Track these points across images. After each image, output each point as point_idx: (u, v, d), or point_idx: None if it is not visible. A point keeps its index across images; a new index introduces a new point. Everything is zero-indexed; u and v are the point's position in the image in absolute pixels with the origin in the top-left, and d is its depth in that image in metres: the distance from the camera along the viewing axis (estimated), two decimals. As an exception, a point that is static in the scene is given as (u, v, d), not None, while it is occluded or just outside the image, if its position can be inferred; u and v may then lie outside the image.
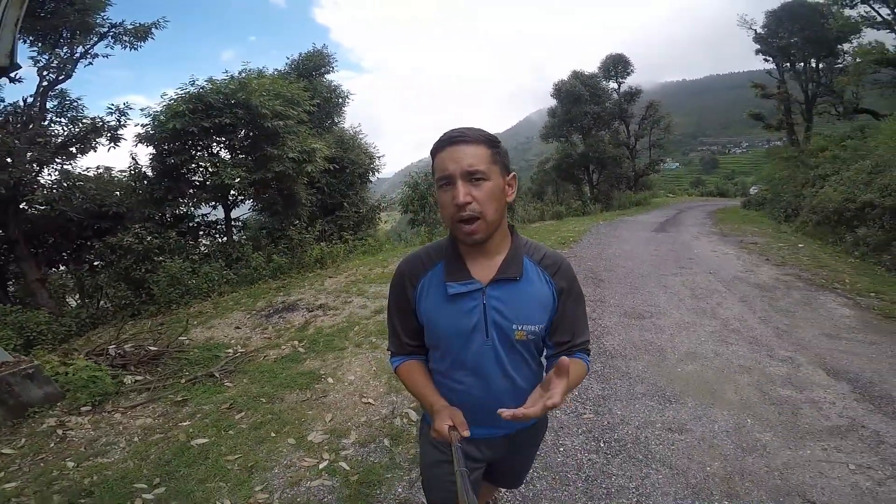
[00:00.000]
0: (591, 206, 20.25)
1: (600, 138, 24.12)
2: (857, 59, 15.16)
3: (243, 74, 8.30)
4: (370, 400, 3.26)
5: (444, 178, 0.97)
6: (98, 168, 7.43)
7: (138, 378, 3.72)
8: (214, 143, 8.53)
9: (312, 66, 12.72)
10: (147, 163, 8.20)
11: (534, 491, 2.23)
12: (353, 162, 12.58)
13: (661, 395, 3.03)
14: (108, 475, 2.44)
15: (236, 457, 2.56)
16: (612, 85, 24.94)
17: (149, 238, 6.99)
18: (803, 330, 4.12)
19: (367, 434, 2.79)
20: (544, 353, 1.15)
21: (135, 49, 7.86)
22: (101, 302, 7.37)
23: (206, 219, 9.65)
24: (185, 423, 2.98)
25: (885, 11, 14.72)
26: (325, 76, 13.22)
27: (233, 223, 9.74)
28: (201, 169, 8.44)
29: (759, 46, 20.12)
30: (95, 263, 7.45)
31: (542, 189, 27.89)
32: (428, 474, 1.26)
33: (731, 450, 2.47)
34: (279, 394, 3.38)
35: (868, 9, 15.06)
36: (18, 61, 1.83)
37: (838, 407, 2.85)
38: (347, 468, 2.44)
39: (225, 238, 9.36)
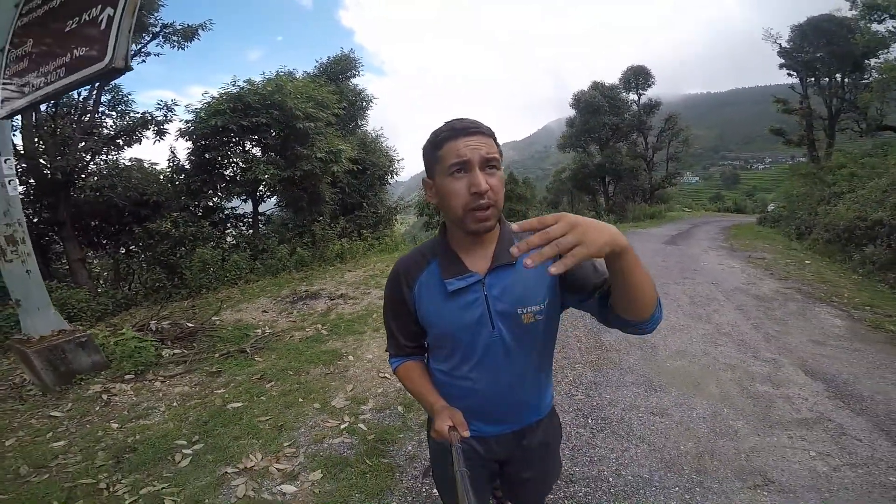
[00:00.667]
0: (605, 218, 20.42)
1: (618, 150, 24.27)
2: (882, 75, 14.94)
3: (276, 76, 8.85)
4: (386, 375, 3.66)
5: (459, 164, 0.95)
6: (140, 160, 8.03)
7: (176, 352, 4.18)
8: (248, 141, 9.08)
9: (340, 70, 13.26)
10: (185, 157, 8.81)
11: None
12: (373, 164, 13.05)
13: (647, 385, 3.35)
14: (149, 434, 2.76)
15: (267, 418, 2.95)
16: (633, 96, 25.07)
17: (184, 226, 7.54)
18: (792, 336, 4.37)
19: (383, 402, 3.17)
20: (594, 308, 1.01)
21: (182, 49, 8.47)
22: (134, 284, 7.94)
23: (234, 212, 10.22)
24: (220, 391, 3.39)
25: None
26: (352, 80, 13.75)
27: (259, 217, 10.28)
28: (234, 164, 9.01)
29: (783, 61, 20.00)
30: (132, 248, 8.03)
31: (557, 198, 28.12)
32: (439, 479, 1.30)
33: (704, 433, 2.77)
34: (305, 368, 3.79)
35: (894, 25, 14.89)
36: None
37: (810, 402, 3.12)
38: (365, 429, 2.82)
39: (251, 230, 9.89)
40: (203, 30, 8.56)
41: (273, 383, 3.47)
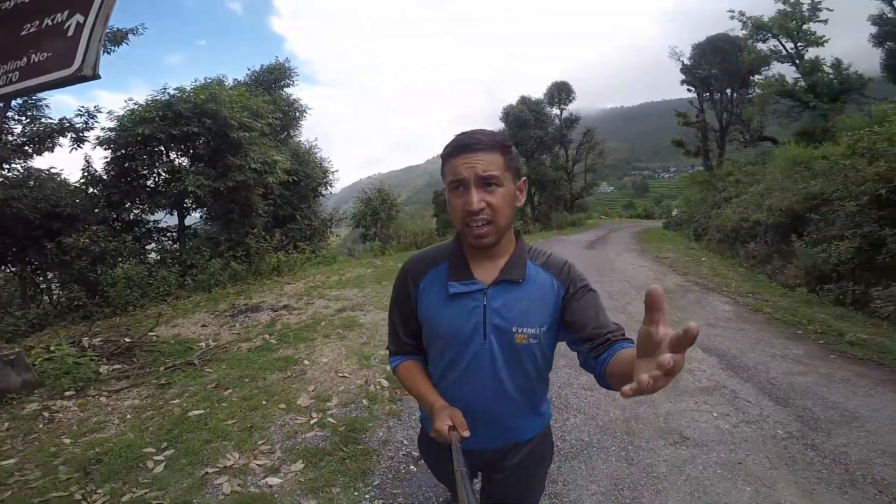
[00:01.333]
0: (531, 227, 21.67)
1: (542, 161, 25.92)
2: (763, 90, 17.17)
3: (208, 84, 8.55)
4: (345, 374, 3.83)
5: (456, 182, 0.97)
6: (51, 169, 7.31)
7: (116, 367, 4.00)
8: (174, 151, 8.65)
9: (273, 79, 13.01)
10: (102, 167, 8.17)
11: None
12: (307, 175, 12.89)
13: (577, 367, 3.83)
14: (111, 446, 2.69)
15: (234, 421, 3.01)
16: (556, 111, 26.78)
17: (104, 241, 7.02)
18: (691, 320, 5.17)
19: (347, 398, 3.36)
20: (582, 355, 1.02)
21: (109, 53, 7.86)
22: (45, 303, 7.21)
23: (157, 225, 9.62)
24: (175, 401, 3.35)
25: (790, 46, 16.76)
26: (285, 89, 13.53)
27: (185, 231, 9.76)
28: (159, 175, 8.53)
29: (684, 77, 22.12)
30: (41, 264, 7.30)
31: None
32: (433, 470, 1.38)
33: (628, 403, 3.28)
34: (261, 375, 3.83)
35: (776, 43, 17.16)
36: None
37: (707, 373, 3.78)
38: (335, 422, 3.00)
39: (177, 245, 9.36)
40: (134, 34, 8.04)
41: (231, 390, 3.50)
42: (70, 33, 2.24)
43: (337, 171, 14.32)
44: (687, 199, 20.72)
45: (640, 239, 15.88)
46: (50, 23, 2.26)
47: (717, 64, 20.46)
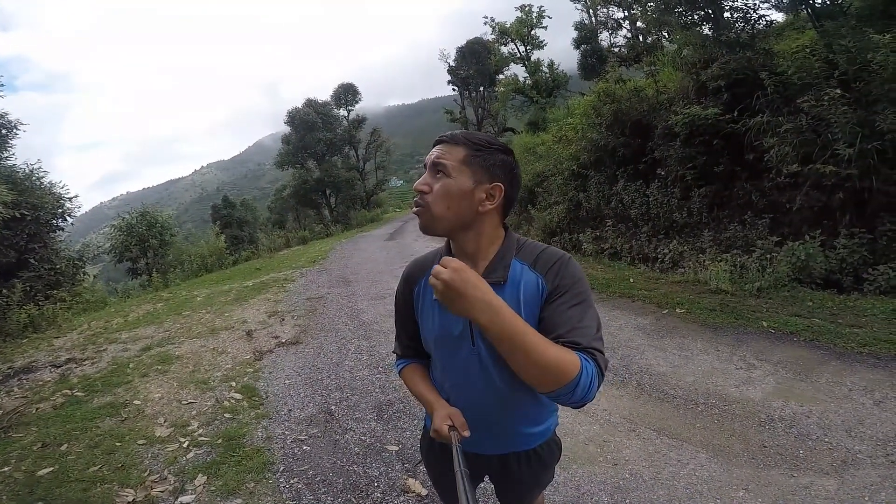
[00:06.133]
0: (333, 228, 22.02)
1: (334, 163, 26.33)
2: (503, 88, 21.02)
3: None
4: (189, 401, 3.80)
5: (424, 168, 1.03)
6: None
7: None
8: None
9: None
10: None
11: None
12: (35, 206, 10.20)
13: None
14: None
15: (98, 466, 2.83)
16: (343, 112, 27.41)
17: None
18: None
19: (207, 418, 3.44)
20: None
21: None
22: None
23: None
24: (6, 469, 2.88)
25: (522, 49, 20.80)
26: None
27: None
28: None
29: (449, 77, 25.55)
30: None
31: (282, 217, 28.10)
32: (433, 476, 1.33)
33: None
34: (91, 424, 3.47)
35: (514, 46, 21.15)
36: None
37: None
38: (208, 439, 3.10)
39: None
40: None
41: (67, 445, 3.13)
42: None
43: (75, 196, 11.63)
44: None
45: (431, 226, 18.10)
46: None
47: (474, 65, 24.12)
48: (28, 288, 8.67)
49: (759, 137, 5.55)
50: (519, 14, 20.45)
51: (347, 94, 27.13)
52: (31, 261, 10.08)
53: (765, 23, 6.19)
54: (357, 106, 27.80)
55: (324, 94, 32.77)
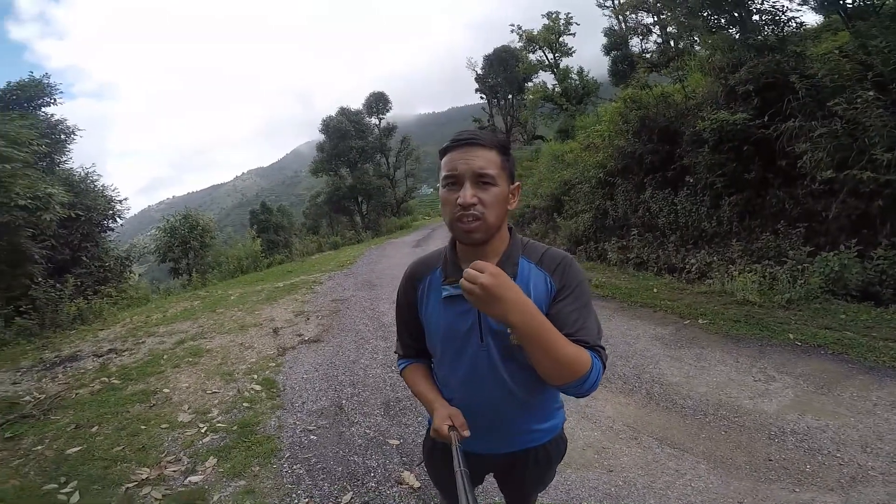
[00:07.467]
0: (363, 234, 22.45)
1: (365, 171, 26.88)
2: (532, 95, 20.74)
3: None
4: (214, 391, 4.02)
5: (451, 177, 0.98)
6: None
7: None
8: None
9: (26, 98, 10.69)
10: None
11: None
12: (88, 208, 11.02)
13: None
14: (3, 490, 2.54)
15: (122, 446, 3.05)
16: (374, 120, 27.93)
17: None
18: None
19: (227, 406, 3.64)
20: None
21: None
22: None
23: None
24: (38, 448, 3.13)
25: (551, 56, 20.45)
26: (44, 109, 11.24)
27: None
28: None
29: (477, 85, 25.76)
30: None
31: (316, 223, 28.92)
32: (434, 478, 1.33)
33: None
34: (121, 409, 3.73)
35: (542, 54, 20.87)
36: None
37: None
38: (225, 426, 3.29)
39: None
40: None
41: (98, 427, 3.38)
42: None
43: (125, 199, 12.48)
44: (487, 194, 24.18)
45: (458, 233, 18.17)
46: None
47: (502, 73, 24.15)
48: (79, 283, 9.34)
49: (791, 143, 5.33)
50: (546, 21, 20.28)
51: (378, 102, 27.62)
52: (84, 258, 10.87)
53: (795, 24, 5.96)
54: (388, 114, 28.26)
55: (356, 103, 33.54)
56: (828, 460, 2.23)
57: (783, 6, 5.84)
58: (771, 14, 5.94)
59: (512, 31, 21.39)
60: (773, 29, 5.92)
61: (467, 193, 0.95)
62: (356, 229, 23.57)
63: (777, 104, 5.52)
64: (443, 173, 1.00)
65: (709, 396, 3.00)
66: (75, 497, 2.50)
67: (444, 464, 1.06)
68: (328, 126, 25.46)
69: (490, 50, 25.22)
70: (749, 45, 5.85)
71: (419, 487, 2.34)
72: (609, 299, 5.83)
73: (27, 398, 4.17)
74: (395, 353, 1.27)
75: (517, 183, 1.05)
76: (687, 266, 6.45)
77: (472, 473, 1.03)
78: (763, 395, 2.95)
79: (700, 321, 4.52)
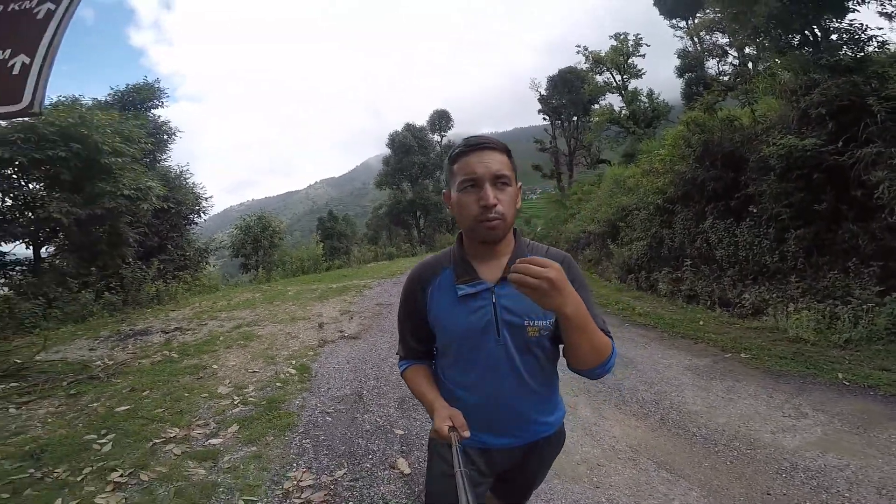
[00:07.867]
0: (418, 248, 22.98)
1: (425, 186, 27.67)
2: (597, 118, 19.93)
3: (73, 104, 8.14)
4: (255, 371, 4.40)
5: (470, 180, 1.02)
6: None
7: (12, 385, 4.00)
8: (28, 176, 8.01)
9: (140, 99, 12.38)
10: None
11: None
12: (179, 202, 12.42)
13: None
14: (46, 440, 2.92)
15: (163, 409, 3.45)
16: (436, 137, 28.89)
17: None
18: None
19: (262, 384, 3.98)
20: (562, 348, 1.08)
21: None
22: None
23: (4, 257, 8.64)
24: (94, 405, 3.60)
25: (618, 78, 19.55)
26: (153, 111, 12.93)
27: (42, 262, 8.90)
28: (3, 202, 7.82)
29: (540, 106, 24.96)
30: None
31: (376, 234, 30.08)
32: (434, 488, 1.23)
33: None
34: (173, 379, 4.20)
35: (609, 75, 20.02)
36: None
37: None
38: (255, 400, 3.62)
39: (33, 277, 8.51)
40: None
41: (149, 391, 3.84)
42: (15, 72, 2.52)
43: (211, 196, 13.92)
44: (546, 217, 23.85)
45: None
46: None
47: (566, 94, 23.52)
48: (161, 268, 10.51)
49: (867, 171, 4.87)
50: (614, 42, 19.55)
51: (441, 119, 28.52)
52: (169, 246, 12.24)
53: (877, 43, 5.45)
54: (450, 132, 29.06)
55: (421, 119, 34.53)
56: (833, 499, 2.06)
57: (862, 24, 5.39)
58: (850, 33, 5.49)
59: (578, 52, 21.02)
60: (851, 48, 5.47)
61: (490, 194, 1.00)
62: (412, 242, 24.17)
63: (853, 128, 5.08)
64: (459, 177, 1.04)
65: (726, 427, 2.83)
66: (108, 447, 2.85)
67: (448, 474, 1.06)
68: (394, 140, 26.63)
69: (555, 71, 24.98)
70: (822, 65, 5.44)
71: (409, 474, 2.44)
72: (650, 328, 5.60)
73: (98, 363, 4.80)
74: (397, 354, 1.29)
75: (520, 183, 1.11)
76: (741, 301, 6.02)
77: (484, 476, 1.15)
78: (787, 431, 2.75)
79: (742, 355, 4.23)
